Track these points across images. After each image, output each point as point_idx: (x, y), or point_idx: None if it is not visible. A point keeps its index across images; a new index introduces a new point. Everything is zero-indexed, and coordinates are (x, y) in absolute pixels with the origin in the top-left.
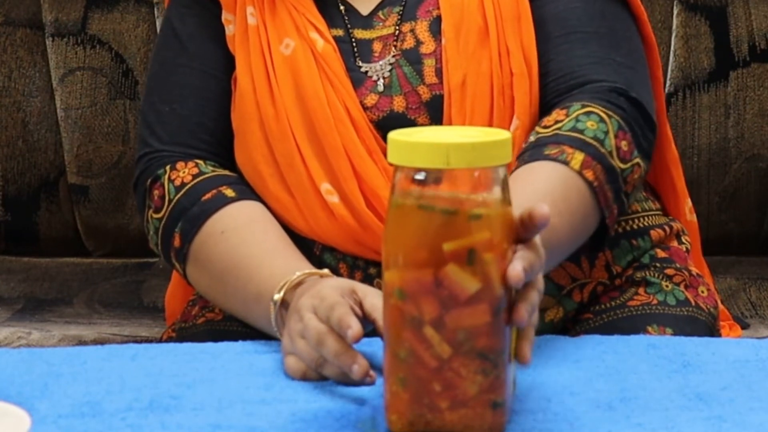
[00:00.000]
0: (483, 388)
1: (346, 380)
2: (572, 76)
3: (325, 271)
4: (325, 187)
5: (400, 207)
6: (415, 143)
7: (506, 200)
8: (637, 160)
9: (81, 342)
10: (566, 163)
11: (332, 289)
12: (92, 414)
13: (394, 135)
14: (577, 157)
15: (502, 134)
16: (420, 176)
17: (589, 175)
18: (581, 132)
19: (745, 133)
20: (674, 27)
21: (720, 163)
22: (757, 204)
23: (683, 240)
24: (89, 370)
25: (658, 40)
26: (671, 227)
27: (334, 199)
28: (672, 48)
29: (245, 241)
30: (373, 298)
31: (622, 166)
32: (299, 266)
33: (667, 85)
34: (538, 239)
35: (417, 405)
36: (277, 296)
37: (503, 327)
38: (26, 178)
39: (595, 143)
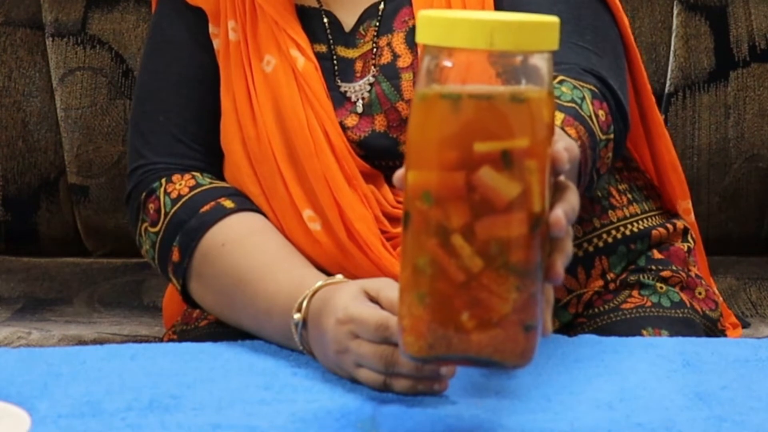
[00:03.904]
0: (516, 307)
1: (416, 391)
2: None
3: (338, 277)
4: (308, 213)
5: (426, 97)
6: (452, 20)
7: (551, 93)
8: (612, 136)
9: (81, 342)
10: None
11: (352, 301)
12: (92, 414)
13: (426, 12)
14: (558, 116)
15: (547, 17)
16: (448, 62)
17: (571, 132)
18: (557, 98)
19: (745, 133)
20: (674, 27)
21: (720, 163)
22: (757, 204)
23: (689, 238)
24: (89, 370)
25: (658, 40)
26: (674, 225)
27: (316, 226)
28: (672, 48)
29: (247, 254)
30: (387, 293)
31: (601, 136)
32: (303, 276)
33: (667, 85)
34: (565, 179)
35: (438, 325)
36: (297, 316)
37: (541, 238)
38: (26, 178)
39: (573, 105)
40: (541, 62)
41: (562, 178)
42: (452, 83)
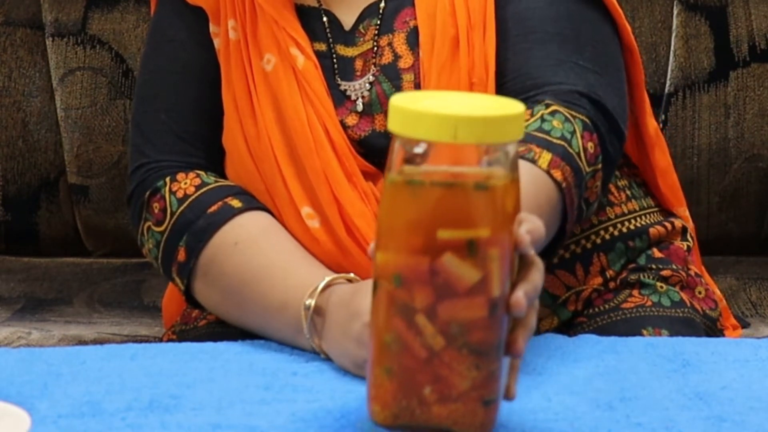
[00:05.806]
0: (475, 384)
1: None
2: (529, 77)
3: (352, 275)
4: (306, 210)
5: (394, 183)
6: (419, 113)
7: (515, 180)
8: (600, 165)
9: (81, 342)
10: (534, 161)
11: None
12: (92, 414)
13: (396, 100)
14: (545, 157)
15: (514, 106)
16: (419, 149)
17: (557, 175)
18: (548, 133)
19: (745, 133)
20: (674, 27)
21: (720, 163)
22: (757, 204)
23: (688, 237)
24: (89, 370)
25: (658, 40)
26: (673, 224)
27: (314, 223)
28: (672, 48)
29: (263, 251)
30: None
31: (588, 169)
32: (324, 273)
33: (667, 85)
34: (533, 253)
35: (403, 397)
36: (309, 301)
37: (500, 320)
38: (26, 178)
39: (562, 143)
40: (507, 148)
41: (533, 254)
42: (422, 165)
